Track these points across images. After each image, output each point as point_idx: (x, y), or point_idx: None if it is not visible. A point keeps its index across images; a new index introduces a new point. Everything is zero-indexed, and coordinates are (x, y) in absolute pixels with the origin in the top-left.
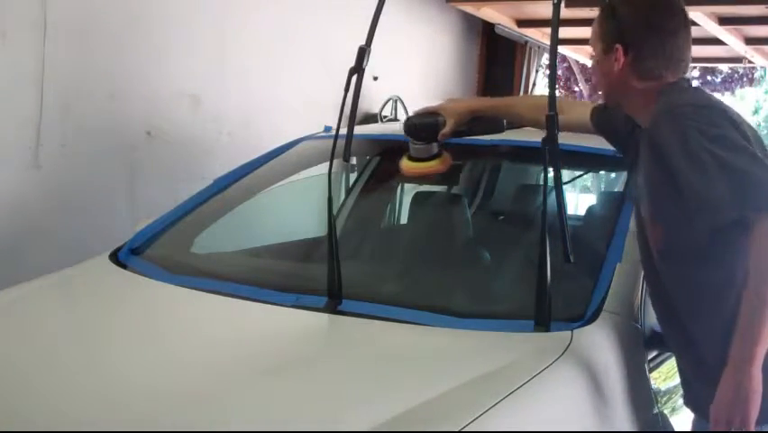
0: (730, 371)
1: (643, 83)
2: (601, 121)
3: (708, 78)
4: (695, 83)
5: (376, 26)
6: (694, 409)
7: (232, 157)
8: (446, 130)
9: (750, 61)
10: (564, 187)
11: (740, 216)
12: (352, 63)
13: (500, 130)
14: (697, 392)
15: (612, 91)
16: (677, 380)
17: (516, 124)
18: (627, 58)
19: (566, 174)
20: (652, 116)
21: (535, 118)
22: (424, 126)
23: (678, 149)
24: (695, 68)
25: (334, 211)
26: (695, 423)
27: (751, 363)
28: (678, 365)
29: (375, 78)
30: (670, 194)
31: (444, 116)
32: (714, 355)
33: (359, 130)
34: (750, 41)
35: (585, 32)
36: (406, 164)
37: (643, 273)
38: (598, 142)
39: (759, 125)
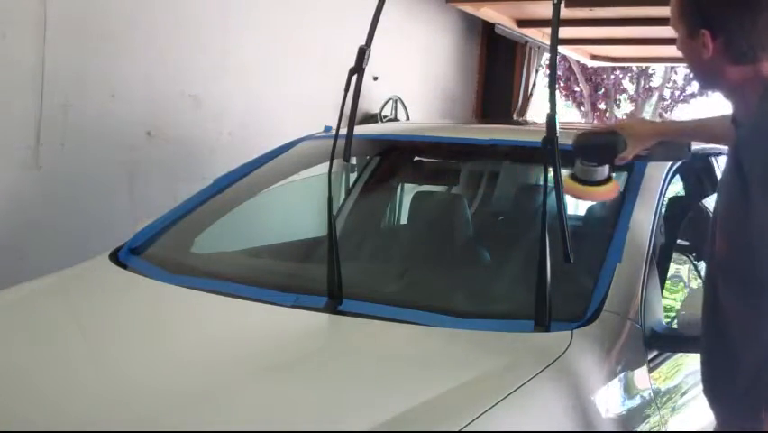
0: None
1: (737, 68)
2: None
3: None
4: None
5: (376, 26)
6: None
7: (232, 157)
8: (626, 154)
9: None
10: None
11: None
12: (352, 63)
13: (684, 157)
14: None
15: (705, 78)
16: (677, 380)
17: (710, 143)
18: (717, 43)
19: (566, 174)
20: (752, 117)
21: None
22: (601, 146)
23: (760, 183)
24: None
25: (334, 211)
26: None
27: None
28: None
29: (375, 78)
30: (739, 213)
31: (626, 137)
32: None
33: (359, 130)
34: None
35: (585, 32)
36: (571, 184)
37: (704, 275)
38: None
39: None
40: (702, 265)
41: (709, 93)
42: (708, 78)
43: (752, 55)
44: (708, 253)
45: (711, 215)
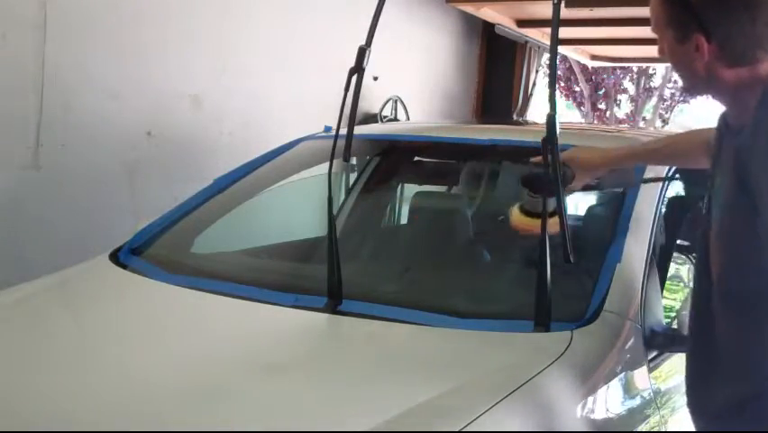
0: None
1: (733, 70)
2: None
3: None
4: None
5: (376, 26)
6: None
7: (232, 157)
8: (574, 186)
9: None
10: None
11: None
12: (352, 63)
13: (632, 185)
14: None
15: (696, 83)
16: (677, 380)
17: (669, 165)
18: (712, 46)
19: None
20: (750, 128)
21: (698, 159)
22: (547, 179)
23: None
24: None
25: (334, 211)
26: None
27: None
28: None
29: (375, 78)
30: (743, 226)
31: (574, 169)
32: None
33: (359, 130)
34: None
35: (585, 32)
36: (518, 218)
37: (692, 293)
38: (598, 142)
39: None
40: None
41: (697, 97)
42: (701, 83)
43: (750, 56)
44: (701, 269)
45: (701, 231)
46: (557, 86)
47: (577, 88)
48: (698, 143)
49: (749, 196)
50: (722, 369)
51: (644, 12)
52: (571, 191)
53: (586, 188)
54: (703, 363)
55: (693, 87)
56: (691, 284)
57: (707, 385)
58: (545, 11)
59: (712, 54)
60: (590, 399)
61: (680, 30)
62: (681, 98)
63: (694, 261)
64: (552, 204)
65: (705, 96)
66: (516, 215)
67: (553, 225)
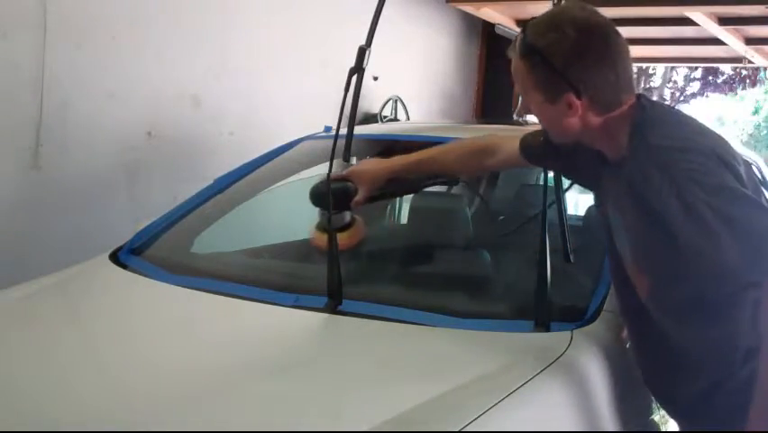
0: None
1: (603, 116)
2: (540, 153)
3: (710, 78)
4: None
5: (376, 26)
6: None
7: (232, 157)
8: (359, 198)
9: (750, 61)
10: (564, 187)
11: (757, 281)
12: (352, 63)
13: (416, 191)
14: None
15: (567, 136)
16: None
17: (445, 175)
18: (583, 101)
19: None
20: (631, 160)
21: (468, 165)
22: (333, 194)
23: (675, 208)
24: (696, 68)
25: None
26: None
27: None
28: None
29: (375, 78)
30: (661, 248)
31: (356, 183)
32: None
33: (359, 130)
34: (750, 41)
35: None
36: (316, 235)
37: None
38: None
39: (759, 125)
40: None
41: (562, 145)
42: (572, 136)
43: (617, 101)
44: (621, 289)
45: (610, 257)
46: None
47: None
48: (476, 151)
49: (659, 224)
50: (676, 370)
51: (644, 12)
52: (358, 204)
53: (372, 200)
54: (654, 366)
55: (564, 139)
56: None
57: (666, 384)
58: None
59: (584, 108)
60: (590, 399)
61: (548, 92)
62: (682, 98)
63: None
64: (346, 218)
65: (571, 143)
66: (316, 235)
67: (351, 237)
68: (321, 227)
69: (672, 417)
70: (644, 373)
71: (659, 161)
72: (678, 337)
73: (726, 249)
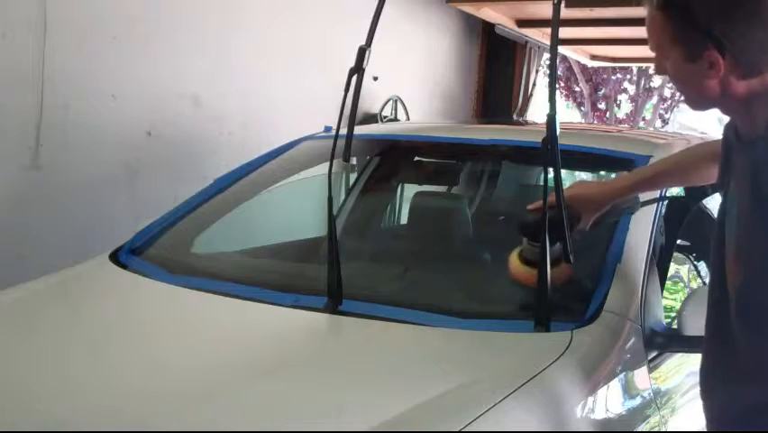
0: None
1: (745, 82)
2: None
3: None
4: None
5: (376, 26)
6: None
7: (232, 157)
8: (582, 226)
9: None
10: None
11: None
12: (352, 63)
13: (633, 211)
14: None
15: (705, 100)
16: (677, 380)
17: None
18: (726, 60)
19: (566, 174)
20: (764, 142)
21: (709, 174)
22: (550, 224)
23: None
24: None
25: (334, 211)
26: None
27: None
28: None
29: (375, 79)
30: (765, 237)
31: (578, 210)
32: None
33: (359, 130)
34: None
35: (585, 32)
36: (517, 267)
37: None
38: (598, 143)
39: None
40: (702, 265)
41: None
42: (711, 99)
43: (761, 65)
44: (716, 280)
45: (715, 239)
46: (557, 86)
47: (577, 88)
48: (709, 157)
49: (765, 208)
50: (741, 374)
51: (644, 12)
52: (581, 233)
53: (593, 227)
54: (720, 366)
55: (700, 104)
56: (691, 285)
57: (725, 387)
58: (545, 11)
59: (726, 69)
60: (590, 399)
61: (689, 48)
62: (682, 98)
63: (709, 268)
64: (555, 252)
65: (708, 110)
66: (515, 264)
67: (557, 276)
68: (523, 257)
69: (709, 428)
70: (704, 368)
71: None
72: (745, 344)
73: None
